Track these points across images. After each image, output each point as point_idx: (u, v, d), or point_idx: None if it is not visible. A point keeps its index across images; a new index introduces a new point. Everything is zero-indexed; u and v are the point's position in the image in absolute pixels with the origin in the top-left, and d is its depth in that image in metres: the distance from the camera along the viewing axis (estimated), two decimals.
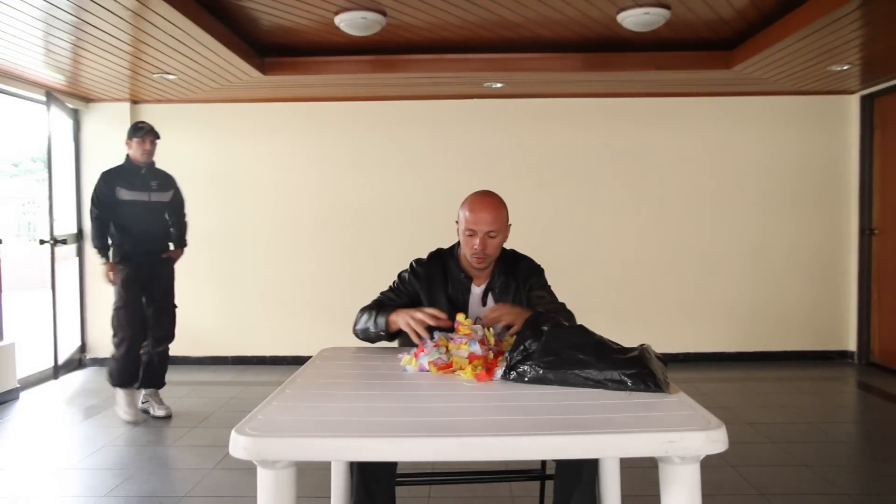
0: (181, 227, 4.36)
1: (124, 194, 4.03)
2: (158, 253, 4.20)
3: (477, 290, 2.34)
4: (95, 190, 4.04)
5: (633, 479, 2.93)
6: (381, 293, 2.41)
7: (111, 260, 4.02)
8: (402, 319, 2.11)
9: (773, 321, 5.74)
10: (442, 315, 2.06)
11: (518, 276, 2.35)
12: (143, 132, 4.06)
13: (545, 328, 1.76)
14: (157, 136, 4.12)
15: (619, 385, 1.61)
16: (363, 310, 2.30)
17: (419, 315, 2.07)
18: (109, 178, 4.06)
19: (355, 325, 2.29)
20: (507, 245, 2.42)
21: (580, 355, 1.66)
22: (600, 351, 1.68)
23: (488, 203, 2.25)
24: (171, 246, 4.31)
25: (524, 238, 5.57)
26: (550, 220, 5.65)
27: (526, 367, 1.70)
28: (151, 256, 4.14)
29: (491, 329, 2.03)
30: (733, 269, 5.74)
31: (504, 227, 2.27)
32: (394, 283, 2.42)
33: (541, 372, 1.68)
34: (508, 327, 2.09)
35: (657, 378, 1.59)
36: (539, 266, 2.42)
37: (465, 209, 2.25)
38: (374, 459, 1.40)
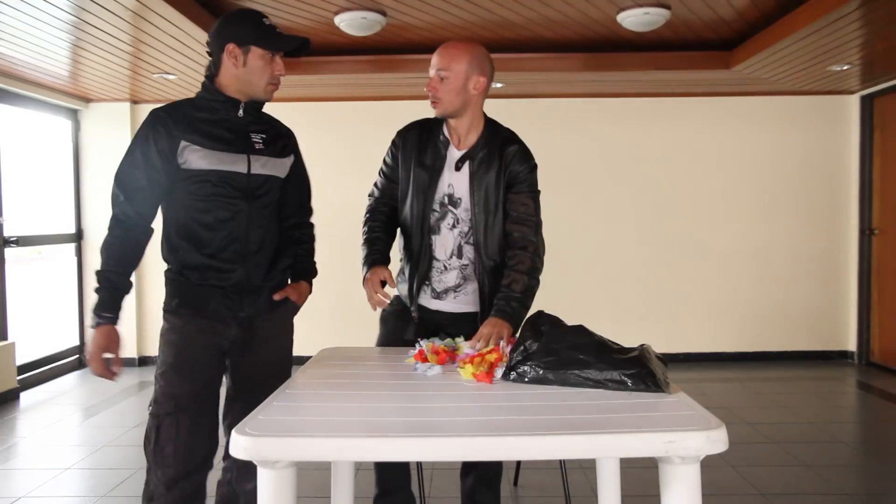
0: (307, 233, 2.27)
1: (198, 159, 1.91)
2: (265, 290, 2.06)
3: (455, 154, 2.23)
4: (129, 151, 1.93)
5: (633, 479, 2.93)
6: (372, 191, 2.40)
7: (101, 313, 1.89)
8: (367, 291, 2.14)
9: (773, 321, 5.74)
10: (379, 295, 2.09)
11: (505, 157, 2.19)
12: (277, 40, 1.97)
13: (544, 328, 1.76)
14: (304, 49, 2.07)
15: (620, 385, 1.61)
16: (363, 241, 2.29)
17: (370, 292, 2.12)
18: (170, 122, 1.91)
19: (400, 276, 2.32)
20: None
21: (580, 355, 1.66)
22: (600, 351, 1.67)
23: (445, 45, 2.19)
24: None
25: None
26: (550, 220, 5.59)
27: (526, 368, 1.70)
28: (250, 299, 2.02)
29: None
30: (733, 270, 5.74)
31: (461, 71, 2.14)
32: (382, 164, 2.40)
33: (541, 372, 1.68)
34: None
35: (657, 378, 1.59)
36: (532, 157, 2.25)
37: None
38: (375, 459, 1.41)
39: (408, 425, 1.41)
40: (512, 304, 2.07)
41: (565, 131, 5.71)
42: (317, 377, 1.83)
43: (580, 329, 1.77)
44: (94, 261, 5.73)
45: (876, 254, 5.57)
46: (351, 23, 3.86)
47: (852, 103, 5.69)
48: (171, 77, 4.83)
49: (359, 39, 4.31)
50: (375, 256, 2.20)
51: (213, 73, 2.00)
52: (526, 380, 1.69)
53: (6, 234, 4.84)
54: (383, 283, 2.12)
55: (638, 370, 1.61)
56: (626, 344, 1.75)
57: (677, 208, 5.73)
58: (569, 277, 5.58)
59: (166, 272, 2.08)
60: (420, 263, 2.24)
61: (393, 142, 2.36)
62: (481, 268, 2.22)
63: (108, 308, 1.92)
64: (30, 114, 5.21)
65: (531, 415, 1.46)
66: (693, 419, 1.38)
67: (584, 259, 5.68)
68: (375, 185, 2.41)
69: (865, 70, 4.87)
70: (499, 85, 5.19)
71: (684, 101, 5.68)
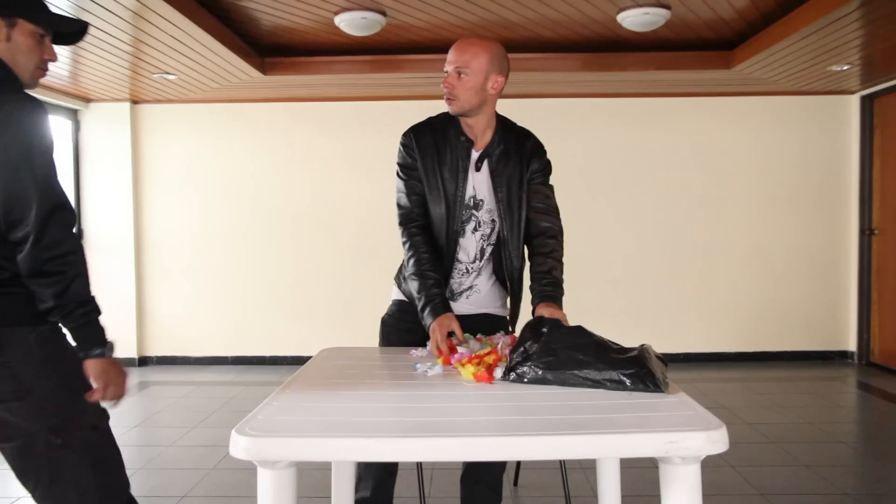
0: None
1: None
2: None
3: (474, 155, 2.18)
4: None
5: (633, 479, 2.93)
6: (399, 199, 2.17)
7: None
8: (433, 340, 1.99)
9: (773, 321, 5.74)
10: (443, 348, 1.92)
11: (522, 151, 2.21)
12: (50, 16, 1.72)
13: (544, 329, 1.76)
14: (82, 35, 1.83)
15: (618, 385, 1.61)
16: (410, 273, 2.10)
17: (435, 344, 1.97)
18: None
19: (403, 273, 2.24)
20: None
21: (579, 356, 1.66)
22: (599, 351, 1.67)
23: (464, 40, 2.09)
24: None
25: None
26: None
27: (525, 368, 1.70)
28: None
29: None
30: (733, 269, 5.74)
31: (481, 69, 2.05)
32: (399, 169, 2.19)
33: (540, 373, 1.68)
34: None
35: (656, 378, 1.59)
36: (545, 151, 2.29)
37: None
38: (374, 459, 1.41)
39: (408, 425, 1.41)
40: (559, 291, 2.14)
41: (565, 131, 5.70)
42: (317, 377, 1.83)
43: (579, 329, 1.77)
44: (94, 260, 5.73)
45: (876, 254, 5.57)
46: (351, 23, 3.86)
47: (852, 103, 5.69)
48: (171, 77, 4.83)
49: (359, 39, 4.31)
50: (437, 301, 2.03)
51: None
52: (525, 380, 1.69)
53: None
54: (451, 334, 1.99)
55: (637, 370, 1.61)
56: (627, 344, 1.75)
57: (677, 208, 5.73)
58: (569, 277, 5.55)
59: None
60: (443, 267, 2.17)
61: (403, 144, 2.20)
62: (510, 266, 2.22)
63: None
64: None
65: (531, 415, 1.46)
66: (693, 419, 1.38)
67: (585, 259, 5.68)
68: (401, 190, 2.19)
69: (865, 70, 4.87)
70: None
71: (684, 101, 5.68)
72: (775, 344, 5.75)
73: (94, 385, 1.64)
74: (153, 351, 5.81)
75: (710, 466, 3.25)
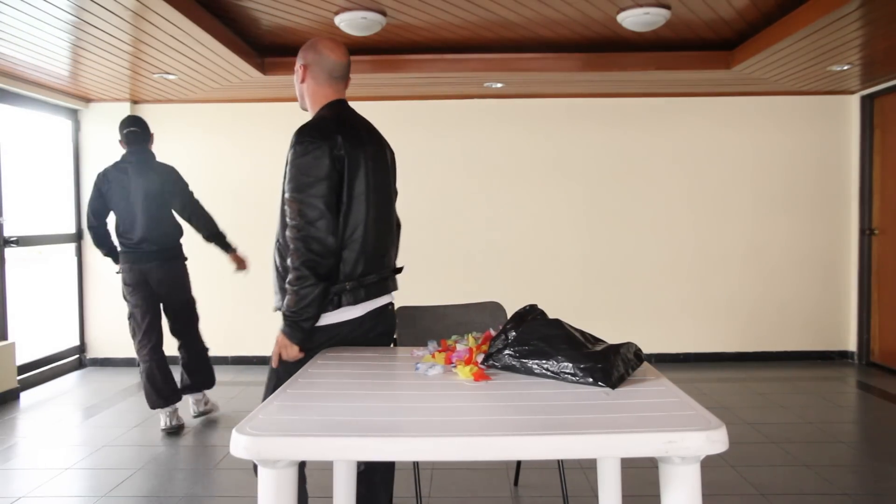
0: None
1: None
2: None
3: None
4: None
5: (633, 479, 2.94)
6: None
7: None
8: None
9: (773, 321, 5.74)
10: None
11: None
12: (127, 140, 4.15)
13: (529, 318, 1.82)
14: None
15: (571, 377, 1.65)
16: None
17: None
18: None
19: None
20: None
21: (546, 347, 1.71)
22: (567, 344, 1.71)
23: None
24: None
25: (524, 237, 5.58)
26: (550, 219, 5.65)
27: (501, 356, 1.76)
28: None
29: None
30: (733, 269, 5.75)
31: (295, 69, 2.23)
32: None
33: (510, 361, 1.74)
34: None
35: (608, 373, 1.61)
36: (300, 140, 2.01)
37: None
38: (374, 459, 1.41)
39: (408, 425, 1.41)
40: (284, 324, 2.02)
41: (565, 131, 5.70)
42: (317, 377, 1.83)
43: (556, 322, 1.80)
44: (94, 261, 5.73)
45: (876, 254, 5.57)
46: (351, 23, 3.86)
47: (852, 103, 5.69)
48: (171, 77, 4.83)
49: (359, 39, 4.31)
50: None
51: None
52: (498, 366, 1.76)
53: (6, 234, 4.84)
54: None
55: (591, 364, 1.63)
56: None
57: (677, 208, 5.73)
58: (569, 277, 5.58)
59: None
60: None
61: None
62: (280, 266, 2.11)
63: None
64: (30, 114, 5.21)
65: (531, 415, 1.46)
66: (693, 419, 1.38)
67: (584, 259, 5.68)
68: None
69: (865, 70, 4.88)
70: (499, 85, 5.20)
71: (684, 101, 5.69)
72: (775, 344, 5.75)
73: None
74: None
75: (710, 466, 3.26)
